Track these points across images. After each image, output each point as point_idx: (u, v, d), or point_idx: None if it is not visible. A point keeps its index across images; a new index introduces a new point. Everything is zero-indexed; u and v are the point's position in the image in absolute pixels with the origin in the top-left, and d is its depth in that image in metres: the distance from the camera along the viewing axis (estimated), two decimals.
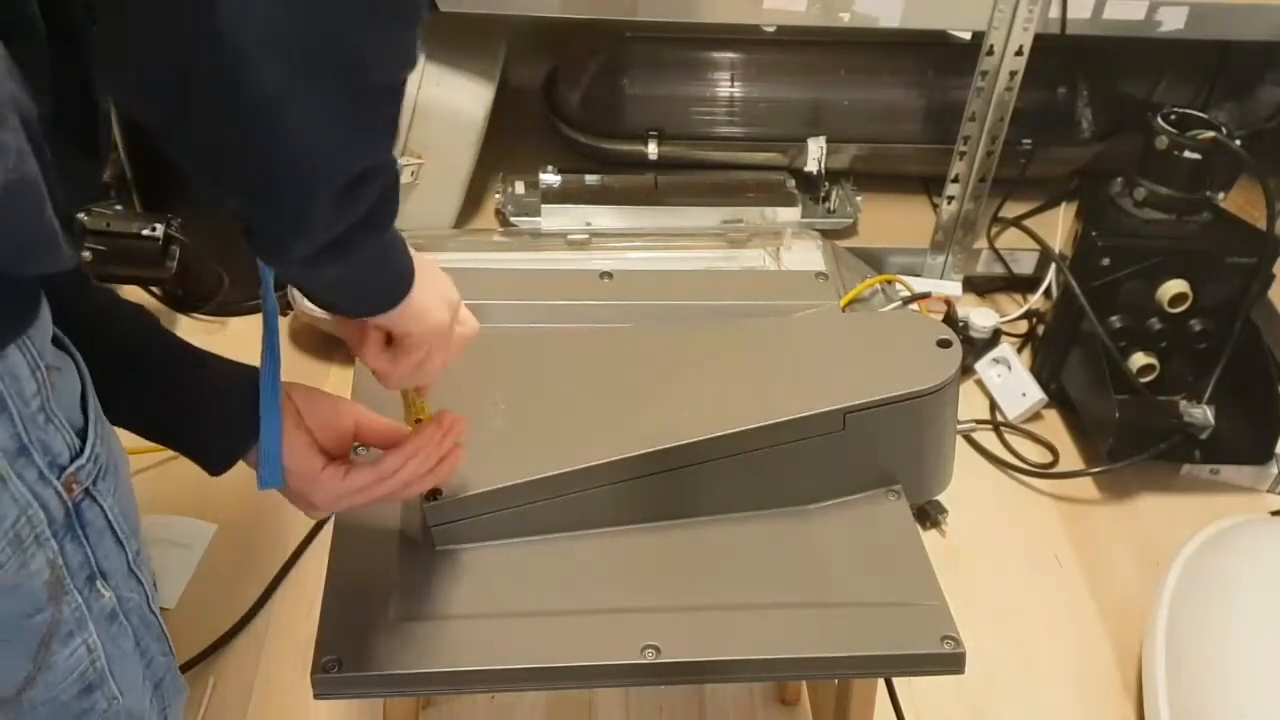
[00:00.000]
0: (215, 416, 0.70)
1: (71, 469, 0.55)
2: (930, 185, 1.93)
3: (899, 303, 1.66)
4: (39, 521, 0.53)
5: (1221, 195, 1.53)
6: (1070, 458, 1.62)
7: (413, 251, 0.65)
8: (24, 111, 0.46)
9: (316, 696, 0.76)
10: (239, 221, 0.53)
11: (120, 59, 0.47)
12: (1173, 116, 1.48)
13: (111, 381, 0.66)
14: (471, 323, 0.74)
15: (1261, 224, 1.49)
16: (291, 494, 0.74)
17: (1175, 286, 1.50)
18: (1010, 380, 1.68)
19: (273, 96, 0.46)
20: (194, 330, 1.69)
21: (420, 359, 0.70)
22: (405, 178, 1.69)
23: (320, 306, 0.66)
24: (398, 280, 0.64)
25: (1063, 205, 1.86)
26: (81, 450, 0.55)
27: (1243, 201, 1.66)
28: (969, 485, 1.55)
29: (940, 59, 1.82)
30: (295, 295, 1.47)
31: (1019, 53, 1.60)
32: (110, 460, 0.59)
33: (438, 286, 0.68)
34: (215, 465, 0.71)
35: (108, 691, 0.60)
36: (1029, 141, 1.79)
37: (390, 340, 0.69)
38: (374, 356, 0.70)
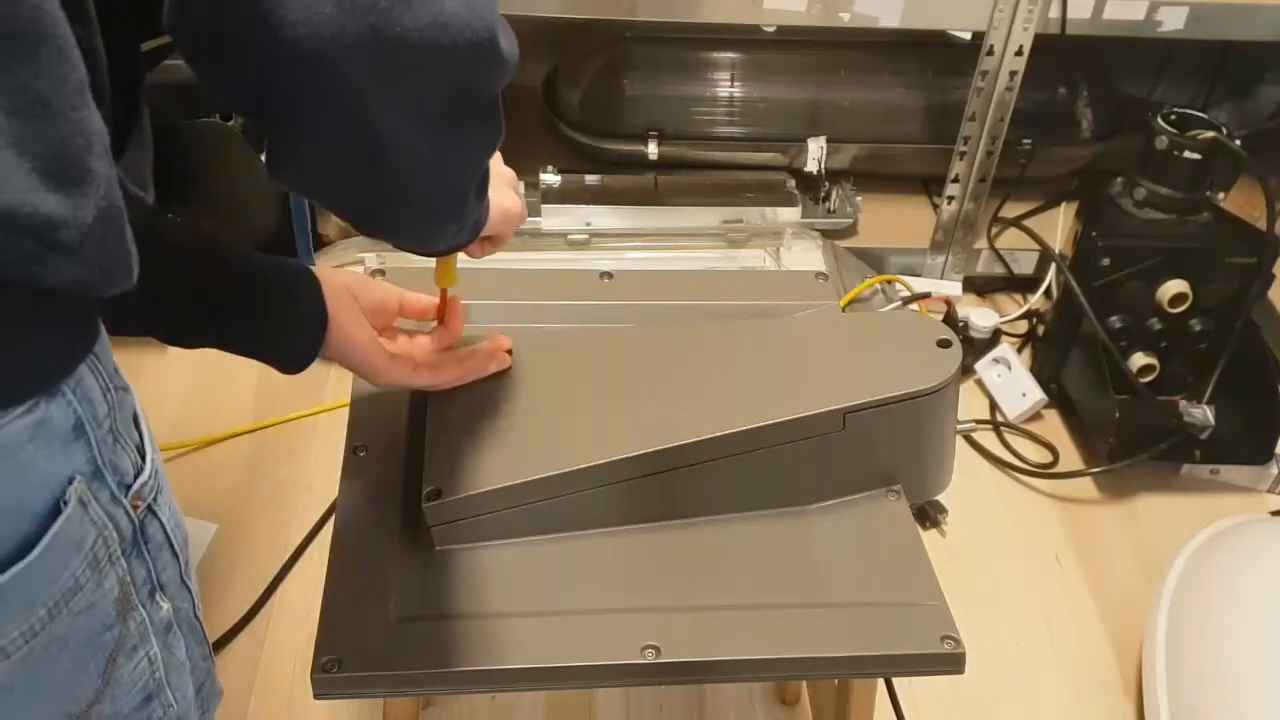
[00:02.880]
0: (287, 321, 0.76)
1: (136, 486, 0.55)
2: (930, 185, 1.93)
3: (899, 303, 1.66)
4: (112, 541, 0.54)
5: (1221, 195, 1.53)
6: (1070, 458, 1.62)
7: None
8: (105, 139, 0.46)
9: (316, 696, 0.76)
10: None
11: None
12: (1173, 116, 1.48)
13: (186, 310, 0.72)
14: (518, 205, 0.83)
15: (1261, 224, 1.49)
16: (363, 365, 0.81)
17: (1175, 286, 1.50)
18: (1010, 380, 1.68)
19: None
20: None
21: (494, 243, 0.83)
22: None
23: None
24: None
25: (1063, 205, 1.86)
26: (143, 468, 0.56)
27: (1243, 201, 1.66)
28: (969, 485, 1.55)
29: (940, 59, 1.82)
30: None
31: (1019, 53, 1.60)
32: (163, 474, 0.59)
33: (503, 183, 0.79)
34: (293, 366, 0.77)
35: (164, 700, 0.61)
36: (1029, 141, 1.79)
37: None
38: None
